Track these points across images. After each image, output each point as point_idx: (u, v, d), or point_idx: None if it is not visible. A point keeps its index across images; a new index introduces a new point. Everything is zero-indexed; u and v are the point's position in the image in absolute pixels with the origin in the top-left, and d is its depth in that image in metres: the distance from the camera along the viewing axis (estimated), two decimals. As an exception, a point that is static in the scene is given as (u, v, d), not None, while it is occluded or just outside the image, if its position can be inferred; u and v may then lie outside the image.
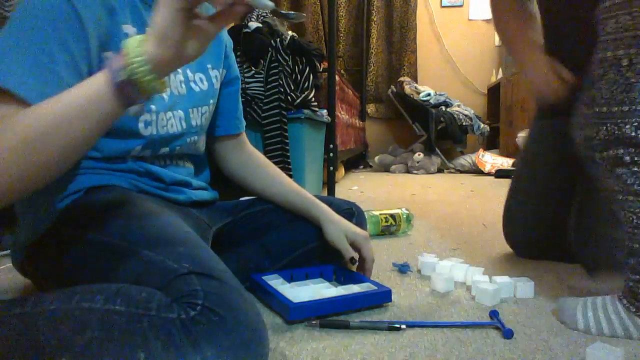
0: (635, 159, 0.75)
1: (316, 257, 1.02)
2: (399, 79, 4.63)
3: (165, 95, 0.81)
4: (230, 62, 1.00)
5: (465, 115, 4.27)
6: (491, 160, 4.00)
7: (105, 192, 0.75)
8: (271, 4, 0.58)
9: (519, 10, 1.16)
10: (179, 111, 0.85)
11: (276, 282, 0.93)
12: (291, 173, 1.80)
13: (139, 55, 0.54)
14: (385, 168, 4.35)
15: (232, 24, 1.89)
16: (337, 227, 0.97)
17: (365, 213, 1.19)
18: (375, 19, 4.83)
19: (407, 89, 4.41)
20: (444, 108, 4.32)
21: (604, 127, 0.78)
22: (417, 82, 4.75)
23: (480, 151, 4.14)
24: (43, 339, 0.55)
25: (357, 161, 4.70)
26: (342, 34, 4.88)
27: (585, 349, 0.69)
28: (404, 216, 1.57)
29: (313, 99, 1.98)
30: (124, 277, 0.61)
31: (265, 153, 1.78)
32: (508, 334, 0.77)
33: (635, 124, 0.74)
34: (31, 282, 0.94)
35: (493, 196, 2.61)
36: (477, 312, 0.89)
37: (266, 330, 0.57)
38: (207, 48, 0.59)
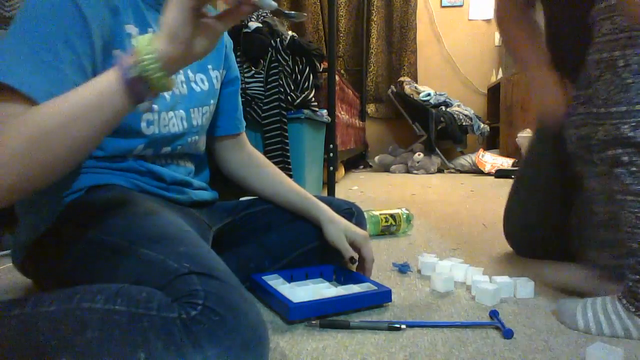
0: (633, 159, 0.75)
1: (316, 257, 1.02)
2: (399, 79, 4.63)
3: (167, 95, 0.81)
4: (230, 63, 1.01)
5: (465, 115, 4.27)
6: (491, 160, 4.00)
7: (106, 191, 0.76)
8: (275, 4, 0.60)
9: (525, 20, 1.16)
10: (180, 111, 0.85)
11: (276, 282, 0.93)
12: (291, 173, 1.80)
13: (150, 52, 0.55)
14: (385, 168, 4.35)
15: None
16: (337, 227, 0.97)
17: (365, 213, 1.19)
18: (375, 19, 4.83)
19: (407, 89, 4.41)
20: (444, 108, 4.32)
21: (602, 128, 0.78)
22: (417, 82, 4.75)
23: (480, 151, 4.14)
24: (43, 339, 0.55)
25: (357, 161, 4.70)
26: (342, 34, 4.88)
27: (585, 349, 0.69)
28: (404, 216, 1.57)
29: (313, 99, 1.98)
30: (124, 277, 0.61)
31: (265, 153, 1.78)
32: (508, 334, 0.78)
33: (633, 124, 0.74)
34: (32, 281, 0.94)
35: (493, 196, 2.61)
36: (477, 312, 0.89)
37: (267, 330, 0.57)
38: (214, 47, 0.60)
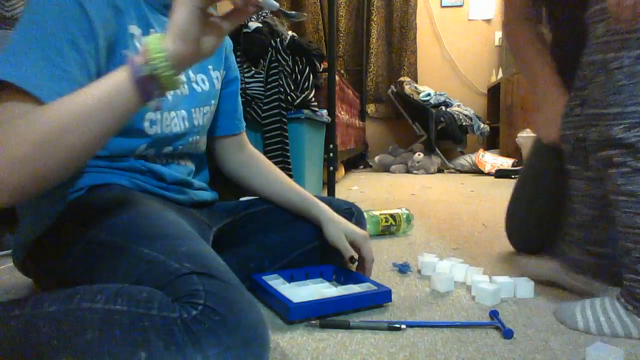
0: (625, 160, 0.77)
1: (316, 257, 1.02)
2: (399, 79, 4.62)
3: (168, 95, 0.81)
4: (230, 63, 1.01)
5: (465, 115, 4.27)
6: (491, 160, 4.00)
7: (107, 191, 0.76)
8: (277, 5, 0.63)
9: (534, 37, 1.16)
10: (182, 111, 0.86)
11: (276, 282, 0.93)
12: (291, 173, 1.80)
13: (160, 51, 0.57)
14: (385, 168, 4.35)
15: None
16: (337, 227, 0.97)
17: (365, 213, 1.19)
18: (375, 19, 4.83)
19: (407, 89, 4.41)
20: (444, 108, 4.32)
21: (595, 129, 0.80)
22: (417, 82, 4.74)
23: (480, 151, 4.14)
24: (43, 340, 0.55)
25: (357, 161, 4.70)
26: (342, 34, 4.88)
27: (585, 349, 0.69)
28: (404, 216, 1.57)
29: (313, 99, 1.98)
30: (125, 276, 0.61)
31: (265, 153, 1.78)
32: (508, 334, 0.78)
33: (625, 125, 0.75)
34: (32, 281, 0.94)
35: (493, 196, 2.61)
36: (477, 312, 0.89)
37: (267, 330, 0.57)
38: (220, 46, 0.62)
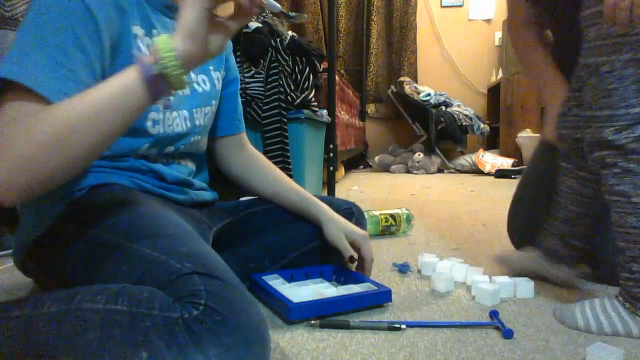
0: (616, 161, 0.79)
1: (316, 257, 1.02)
2: (399, 79, 4.62)
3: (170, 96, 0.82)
4: (230, 64, 1.02)
5: (465, 115, 4.27)
6: (491, 160, 4.00)
7: (108, 191, 0.76)
8: (279, 6, 0.65)
9: (537, 40, 1.17)
10: (184, 111, 0.86)
11: (276, 282, 0.93)
12: (291, 173, 1.80)
13: (169, 51, 0.58)
14: (385, 168, 4.35)
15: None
16: (337, 226, 0.97)
17: (365, 213, 1.19)
18: (375, 19, 4.83)
19: (407, 89, 4.41)
20: (444, 108, 4.32)
21: (589, 131, 0.82)
22: (417, 82, 4.74)
23: (480, 151, 4.14)
24: (43, 340, 0.55)
25: (357, 161, 4.70)
26: (342, 34, 4.88)
27: (585, 349, 0.69)
28: (404, 216, 1.57)
29: (313, 99, 1.98)
30: (126, 276, 0.61)
31: (265, 153, 1.78)
32: (508, 334, 0.78)
33: (615, 127, 0.78)
34: (33, 281, 0.94)
35: (493, 196, 2.61)
36: (477, 312, 0.89)
37: (268, 330, 0.57)
38: (225, 45, 0.64)
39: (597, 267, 1.09)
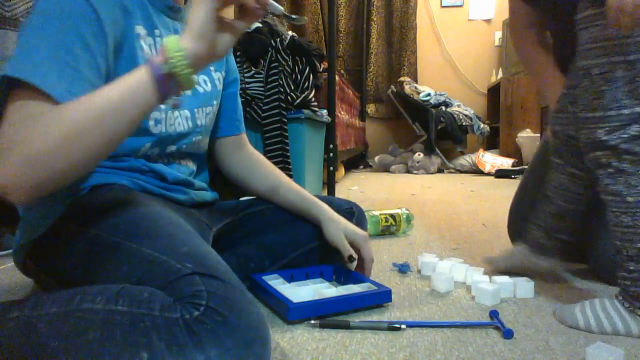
0: (610, 161, 0.81)
1: (316, 257, 1.02)
2: (399, 79, 4.62)
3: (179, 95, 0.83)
4: (230, 65, 1.02)
5: (465, 115, 4.27)
6: (491, 160, 4.00)
7: (108, 191, 0.76)
8: (282, 9, 0.67)
9: (538, 41, 1.19)
10: (185, 111, 0.87)
11: (276, 282, 0.93)
12: (291, 173, 1.80)
13: (179, 51, 0.59)
14: (385, 168, 4.35)
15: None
16: (337, 226, 0.97)
17: (365, 213, 1.19)
18: (375, 19, 4.83)
19: (407, 89, 4.41)
20: (444, 108, 4.32)
21: (583, 132, 0.84)
22: (417, 82, 4.74)
23: (480, 151, 4.14)
24: (43, 341, 0.55)
25: (357, 161, 4.70)
26: (342, 34, 4.88)
27: (585, 349, 0.69)
28: (404, 216, 1.57)
29: (313, 99, 1.98)
30: (126, 276, 0.62)
31: (265, 153, 1.78)
32: (508, 334, 0.78)
33: (607, 129, 0.80)
34: (32, 281, 0.94)
35: (493, 196, 2.61)
36: (477, 312, 0.89)
37: (268, 331, 0.57)
38: (232, 45, 0.66)
39: (596, 266, 1.10)
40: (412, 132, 4.49)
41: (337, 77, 2.37)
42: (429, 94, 4.35)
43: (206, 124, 0.93)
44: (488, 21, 4.85)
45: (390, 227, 1.55)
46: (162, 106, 0.80)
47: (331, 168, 2.18)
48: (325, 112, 2.15)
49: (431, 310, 0.89)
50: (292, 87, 1.89)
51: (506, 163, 3.90)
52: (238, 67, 1.03)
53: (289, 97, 1.85)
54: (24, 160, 0.55)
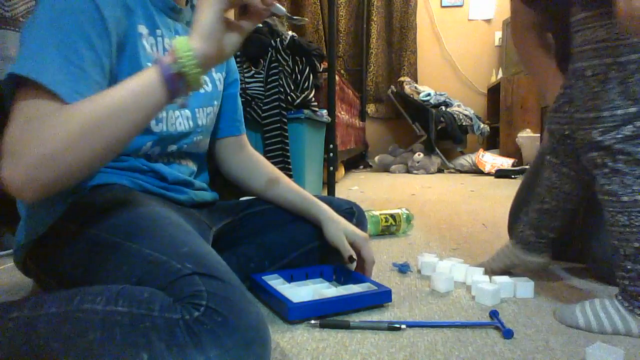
0: (605, 161, 0.82)
1: (316, 257, 1.02)
2: (399, 79, 4.62)
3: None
4: (230, 66, 1.02)
5: (465, 115, 4.27)
6: (491, 160, 4.00)
7: (108, 191, 0.76)
8: (284, 10, 0.69)
9: (539, 43, 1.19)
10: (186, 110, 0.87)
11: (276, 282, 0.93)
12: (291, 173, 1.80)
13: (188, 50, 0.60)
14: (385, 168, 4.35)
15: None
16: (337, 226, 0.97)
17: (365, 213, 1.19)
18: (375, 19, 4.83)
19: (407, 89, 4.41)
20: (444, 108, 4.32)
21: (579, 133, 0.85)
22: (417, 82, 4.74)
23: (480, 151, 4.14)
24: (43, 342, 0.55)
25: (357, 161, 4.70)
26: (342, 34, 4.88)
27: (585, 349, 0.69)
28: (404, 216, 1.57)
29: (313, 99, 1.98)
30: (126, 277, 0.61)
31: (265, 153, 1.78)
32: (508, 334, 0.78)
33: (601, 129, 0.81)
34: (32, 281, 0.94)
35: (493, 196, 2.61)
36: (477, 312, 0.89)
37: (268, 331, 0.57)
38: (240, 45, 0.67)
39: (595, 266, 1.10)
40: (412, 132, 4.49)
41: (337, 77, 2.37)
42: (429, 94, 4.35)
43: (207, 124, 0.93)
44: (488, 21, 4.85)
45: (390, 227, 1.55)
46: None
47: (331, 168, 2.18)
48: (325, 112, 2.15)
49: (431, 310, 0.89)
50: (292, 87, 1.89)
51: (506, 163, 3.90)
52: (238, 67, 1.04)
53: (289, 97, 1.85)
54: (33, 160, 0.56)
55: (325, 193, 2.25)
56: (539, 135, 3.64)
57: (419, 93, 4.37)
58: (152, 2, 0.79)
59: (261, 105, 1.82)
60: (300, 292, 0.89)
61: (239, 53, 1.83)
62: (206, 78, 0.92)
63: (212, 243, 0.91)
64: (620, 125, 0.79)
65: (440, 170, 4.29)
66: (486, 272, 1.07)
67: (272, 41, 1.84)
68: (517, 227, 1.07)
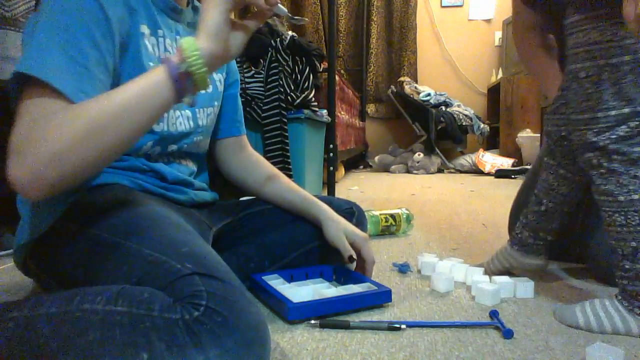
0: (600, 161, 0.82)
1: (316, 257, 1.02)
2: (399, 79, 4.62)
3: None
4: (231, 66, 1.03)
5: (465, 115, 4.27)
6: (491, 160, 4.00)
7: (108, 191, 0.76)
8: (286, 10, 0.70)
9: (541, 44, 1.19)
10: (187, 111, 0.87)
11: (276, 282, 0.93)
12: (291, 173, 1.80)
13: (195, 50, 0.61)
14: (385, 168, 4.35)
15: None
16: (337, 226, 0.97)
17: (365, 213, 1.19)
18: (375, 19, 4.83)
19: (407, 89, 4.41)
20: (444, 108, 4.32)
21: (574, 134, 0.86)
22: (417, 82, 4.74)
23: (480, 151, 4.14)
24: (42, 341, 0.55)
25: (357, 161, 4.70)
26: (342, 34, 4.88)
27: (585, 349, 0.69)
28: (404, 216, 1.57)
29: (313, 99, 1.98)
30: (126, 277, 0.61)
31: (265, 153, 1.78)
32: (508, 334, 0.78)
33: (596, 130, 0.82)
34: (32, 281, 0.94)
35: (493, 196, 2.61)
36: (477, 312, 0.89)
37: (268, 331, 0.57)
38: (244, 45, 0.68)
39: (594, 266, 1.10)
40: (412, 132, 4.49)
41: (337, 77, 2.37)
42: (429, 94, 4.35)
43: (207, 124, 0.94)
44: (488, 21, 4.85)
45: (390, 227, 1.55)
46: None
47: (331, 168, 2.18)
48: (325, 112, 2.15)
49: (431, 310, 0.89)
50: (292, 87, 1.89)
51: (506, 163, 3.90)
52: (238, 67, 1.04)
53: (289, 97, 1.85)
54: (39, 160, 0.56)
55: (325, 193, 2.25)
56: (539, 135, 3.64)
57: (419, 93, 4.37)
58: (153, 2, 0.80)
59: (261, 105, 1.82)
60: (300, 292, 0.89)
61: (238, 53, 1.83)
62: None
63: (212, 243, 0.91)
64: (615, 126, 0.80)
65: (440, 170, 4.29)
66: (485, 273, 1.07)
67: (272, 41, 1.84)
68: (515, 229, 1.07)
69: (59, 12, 0.64)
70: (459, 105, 4.43)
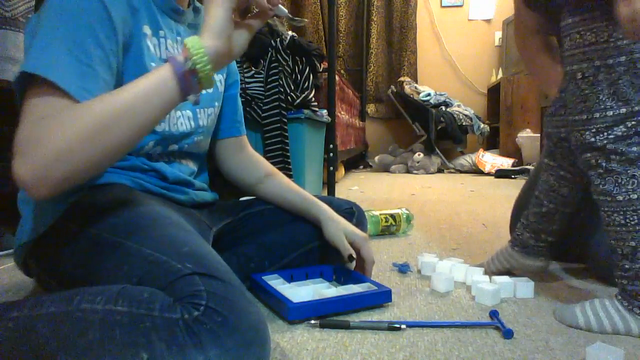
0: (599, 161, 0.83)
1: (316, 257, 1.02)
2: (399, 79, 4.62)
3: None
4: (231, 67, 1.03)
5: (465, 115, 4.27)
6: (491, 160, 4.00)
7: (109, 190, 0.76)
8: (286, 11, 0.71)
9: (543, 46, 1.19)
10: (187, 111, 0.88)
11: (276, 282, 0.93)
12: (291, 173, 1.80)
13: (200, 48, 0.62)
14: (385, 168, 4.35)
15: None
16: (337, 226, 0.97)
17: (365, 213, 1.19)
18: (375, 19, 4.83)
19: (407, 89, 4.41)
20: (444, 108, 4.32)
21: (573, 135, 0.87)
22: (417, 82, 4.74)
23: (480, 151, 4.14)
24: (42, 341, 0.55)
25: (357, 161, 4.70)
26: (342, 34, 4.88)
27: (585, 349, 0.69)
28: (404, 216, 1.57)
29: (313, 99, 1.98)
30: (126, 277, 0.61)
31: (265, 153, 1.78)
32: (508, 334, 0.78)
33: (593, 130, 0.82)
34: (33, 281, 0.94)
35: (493, 196, 2.61)
36: (477, 312, 0.89)
37: (268, 331, 0.57)
38: (248, 43, 0.69)
39: (594, 266, 1.10)
40: (412, 132, 4.49)
41: (337, 77, 2.37)
42: (429, 94, 4.35)
43: (208, 125, 0.94)
44: (488, 21, 4.85)
45: (390, 227, 1.55)
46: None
47: (331, 168, 2.18)
48: (325, 112, 2.15)
49: (431, 310, 0.89)
50: (292, 87, 1.89)
51: (506, 163, 3.90)
52: (238, 67, 1.04)
53: (289, 97, 1.85)
54: (44, 158, 0.56)
55: (325, 193, 2.25)
56: (539, 135, 3.64)
57: (419, 93, 4.37)
58: (155, 3, 0.80)
59: (261, 105, 1.82)
60: (300, 292, 0.89)
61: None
62: None
63: (212, 243, 0.91)
64: (612, 126, 0.81)
65: (440, 170, 4.29)
66: (485, 273, 1.07)
67: (272, 41, 1.84)
68: (516, 230, 1.07)
69: (63, 11, 0.64)
70: (459, 105, 4.43)
